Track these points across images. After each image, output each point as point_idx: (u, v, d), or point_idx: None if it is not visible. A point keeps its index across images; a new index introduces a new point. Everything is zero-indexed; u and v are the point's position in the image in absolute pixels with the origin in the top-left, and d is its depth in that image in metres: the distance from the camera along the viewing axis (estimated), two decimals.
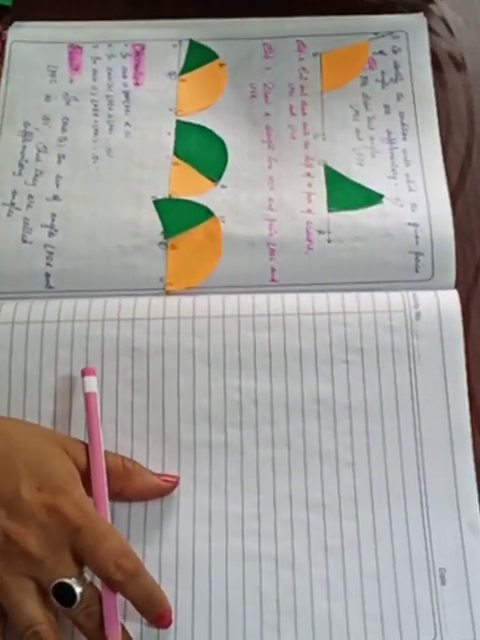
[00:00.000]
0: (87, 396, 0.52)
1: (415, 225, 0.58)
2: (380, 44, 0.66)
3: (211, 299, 0.56)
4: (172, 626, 0.48)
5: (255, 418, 0.53)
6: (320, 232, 0.58)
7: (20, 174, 0.61)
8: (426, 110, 0.63)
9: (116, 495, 0.50)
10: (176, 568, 0.50)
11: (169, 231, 0.58)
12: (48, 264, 0.58)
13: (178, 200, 0.60)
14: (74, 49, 0.66)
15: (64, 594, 0.45)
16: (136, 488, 0.50)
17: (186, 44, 0.66)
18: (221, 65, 0.65)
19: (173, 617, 0.48)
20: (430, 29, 0.67)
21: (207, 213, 0.59)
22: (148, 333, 0.55)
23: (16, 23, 0.66)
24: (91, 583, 0.47)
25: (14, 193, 0.60)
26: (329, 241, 0.58)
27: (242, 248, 0.58)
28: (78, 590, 0.45)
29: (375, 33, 0.66)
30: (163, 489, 0.51)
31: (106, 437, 0.52)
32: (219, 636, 0.48)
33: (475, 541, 0.50)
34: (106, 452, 0.50)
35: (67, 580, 0.45)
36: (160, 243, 0.58)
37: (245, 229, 0.59)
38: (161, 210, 0.59)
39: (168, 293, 0.57)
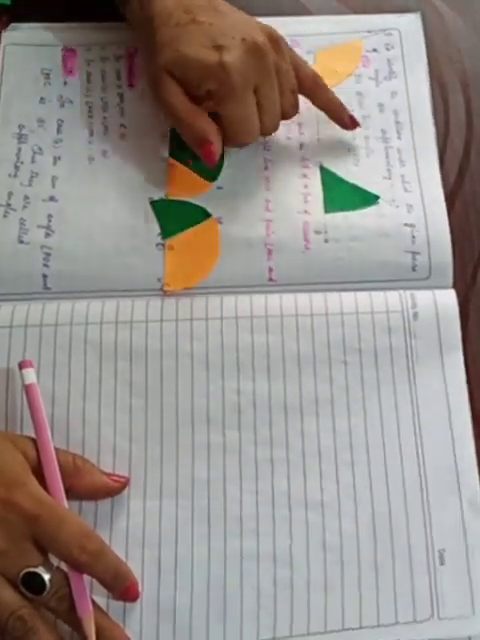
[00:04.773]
0: (27, 388, 0.51)
1: (411, 225, 0.58)
2: (373, 42, 0.66)
3: (209, 301, 0.56)
4: (171, 626, 0.48)
5: (253, 420, 0.53)
6: (317, 232, 0.58)
7: (16, 176, 0.61)
8: (420, 107, 0.64)
9: (65, 492, 0.49)
10: (175, 569, 0.50)
11: (166, 232, 0.58)
12: (45, 265, 0.57)
13: (175, 201, 0.60)
14: (68, 52, 0.65)
15: (33, 583, 0.46)
16: (85, 486, 0.51)
17: None
18: None
19: (171, 615, 0.49)
20: (429, 30, 0.67)
21: (204, 214, 0.59)
22: (146, 336, 0.55)
23: (12, 25, 0.66)
24: (58, 567, 0.47)
25: (10, 194, 0.60)
26: (326, 241, 0.58)
27: (239, 248, 0.58)
28: (47, 577, 0.46)
29: (368, 31, 0.66)
30: (111, 489, 0.51)
31: (105, 440, 0.52)
32: (217, 635, 0.48)
33: (475, 520, 0.51)
34: (57, 449, 0.50)
35: (34, 569, 0.46)
36: (157, 244, 0.58)
37: (242, 230, 0.59)
38: (158, 211, 0.59)
39: (166, 293, 0.57)
